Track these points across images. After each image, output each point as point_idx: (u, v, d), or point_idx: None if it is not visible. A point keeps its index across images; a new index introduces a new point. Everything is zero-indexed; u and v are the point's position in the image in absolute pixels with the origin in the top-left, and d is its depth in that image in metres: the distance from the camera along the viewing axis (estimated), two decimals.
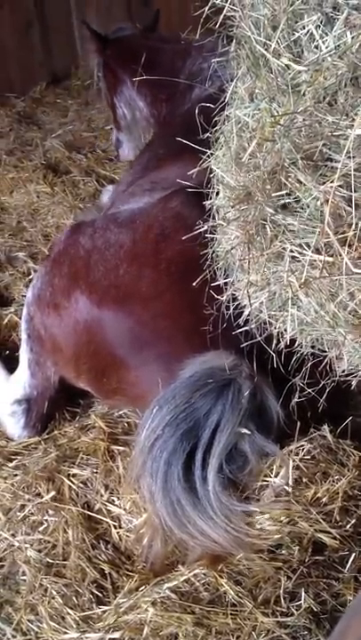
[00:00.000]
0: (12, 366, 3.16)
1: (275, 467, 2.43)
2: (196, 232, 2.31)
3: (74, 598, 2.33)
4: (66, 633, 2.22)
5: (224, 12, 2.01)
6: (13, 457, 2.89)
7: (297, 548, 2.26)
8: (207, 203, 2.30)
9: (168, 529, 2.33)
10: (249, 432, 2.39)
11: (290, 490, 2.36)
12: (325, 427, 2.54)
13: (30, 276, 3.88)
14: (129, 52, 4.37)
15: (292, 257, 1.88)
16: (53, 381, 2.97)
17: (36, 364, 2.96)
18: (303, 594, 2.17)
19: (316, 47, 1.79)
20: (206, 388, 2.38)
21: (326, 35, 1.77)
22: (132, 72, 4.16)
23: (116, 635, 2.16)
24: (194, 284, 2.32)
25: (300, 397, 2.30)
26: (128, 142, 4.84)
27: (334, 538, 2.28)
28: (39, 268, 3.01)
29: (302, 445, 2.47)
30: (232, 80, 2.12)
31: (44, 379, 2.96)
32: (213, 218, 2.26)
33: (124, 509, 2.61)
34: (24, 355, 2.99)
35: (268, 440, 2.43)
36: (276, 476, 2.41)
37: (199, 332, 2.40)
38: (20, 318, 3.40)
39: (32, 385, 2.97)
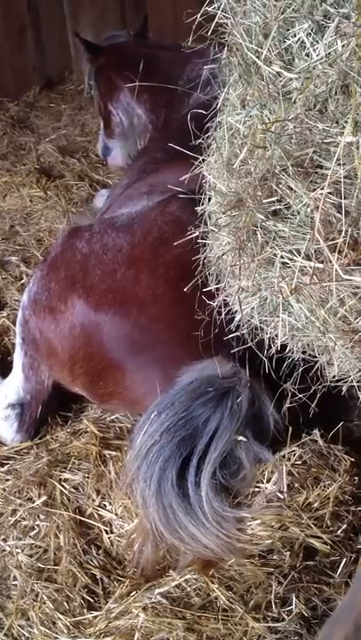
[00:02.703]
0: (3, 370, 3.16)
1: (266, 472, 2.43)
2: (192, 236, 2.31)
3: (65, 603, 2.33)
4: (57, 638, 2.22)
5: (216, 19, 2.02)
6: (5, 462, 2.88)
7: (288, 553, 2.27)
8: (199, 208, 2.30)
9: (159, 534, 2.33)
10: (245, 439, 2.40)
11: (283, 496, 2.37)
12: (317, 432, 2.54)
13: (23, 281, 3.88)
14: (125, 59, 4.37)
15: (283, 263, 1.89)
16: (47, 385, 2.96)
17: (30, 367, 2.95)
18: (294, 599, 2.18)
19: (307, 55, 1.80)
20: (206, 396, 2.39)
21: (317, 42, 1.78)
22: (130, 79, 4.16)
23: None
24: (185, 289, 2.33)
25: (291, 403, 2.31)
26: (121, 149, 4.82)
27: (325, 543, 2.28)
28: (35, 272, 3.01)
29: (294, 451, 2.47)
30: (224, 86, 2.14)
31: (38, 383, 2.96)
32: (205, 223, 2.27)
33: (116, 514, 2.61)
34: (18, 359, 2.98)
35: (263, 447, 2.44)
36: (268, 482, 2.41)
37: (196, 337, 2.40)
38: (13, 323, 3.41)
39: (26, 389, 2.96)
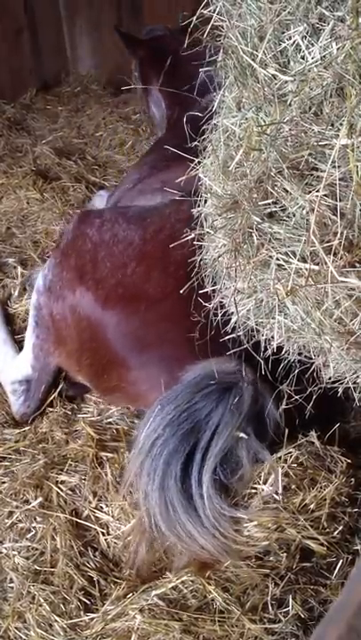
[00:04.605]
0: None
1: (263, 474, 2.43)
2: (189, 237, 2.32)
3: (62, 606, 2.33)
4: None
5: (212, 21, 2.03)
6: (1, 463, 2.88)
7: (285, 554, 2.27)
8: (195, 210, 2.31)
9: (157, 529, 2.32)
10: (246, 436, 2.39)
11: (279, 498, 2.37)
12: (313, 433, 2.54)
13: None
14: (156, 54, 4.39)
15: (279, 265, 1.89)
16: (52, 368, 3.02)
17: (40, 349, 3.01)
18: (291, 600, 2.18)
19: (303, 57, 1.81)
20: (208, 389, 2.39)
21: (312, 45, 1.79)
22: (157, 73, 4.18)
23: None
24: (181, 291, 2.33)
25: (287, 404, 2.31)
26: None
27: (322, 544, 2.28)
28: (50, 259, 3.03)
29: (290, 452, 2.47)
30: (220, 89, 2.14)
31: (46, 364, 3.02)
32: (202, 226, 2.27)
33: (113, 516, 2.61)
34: (29, 339, 3.04)
35: (263, 446, 2.43)
36: (264, 483, 2.41)
37: (202, 338, 2.40)
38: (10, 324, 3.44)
39: (35, 367, 3.04)
